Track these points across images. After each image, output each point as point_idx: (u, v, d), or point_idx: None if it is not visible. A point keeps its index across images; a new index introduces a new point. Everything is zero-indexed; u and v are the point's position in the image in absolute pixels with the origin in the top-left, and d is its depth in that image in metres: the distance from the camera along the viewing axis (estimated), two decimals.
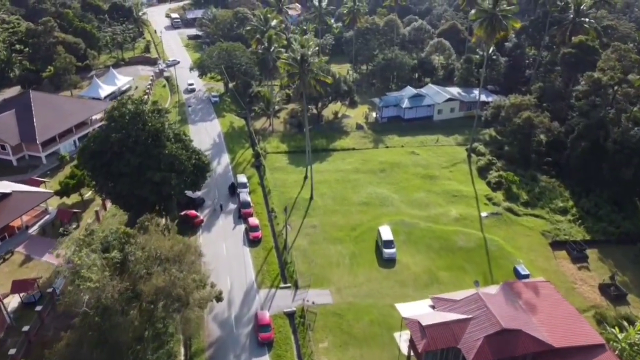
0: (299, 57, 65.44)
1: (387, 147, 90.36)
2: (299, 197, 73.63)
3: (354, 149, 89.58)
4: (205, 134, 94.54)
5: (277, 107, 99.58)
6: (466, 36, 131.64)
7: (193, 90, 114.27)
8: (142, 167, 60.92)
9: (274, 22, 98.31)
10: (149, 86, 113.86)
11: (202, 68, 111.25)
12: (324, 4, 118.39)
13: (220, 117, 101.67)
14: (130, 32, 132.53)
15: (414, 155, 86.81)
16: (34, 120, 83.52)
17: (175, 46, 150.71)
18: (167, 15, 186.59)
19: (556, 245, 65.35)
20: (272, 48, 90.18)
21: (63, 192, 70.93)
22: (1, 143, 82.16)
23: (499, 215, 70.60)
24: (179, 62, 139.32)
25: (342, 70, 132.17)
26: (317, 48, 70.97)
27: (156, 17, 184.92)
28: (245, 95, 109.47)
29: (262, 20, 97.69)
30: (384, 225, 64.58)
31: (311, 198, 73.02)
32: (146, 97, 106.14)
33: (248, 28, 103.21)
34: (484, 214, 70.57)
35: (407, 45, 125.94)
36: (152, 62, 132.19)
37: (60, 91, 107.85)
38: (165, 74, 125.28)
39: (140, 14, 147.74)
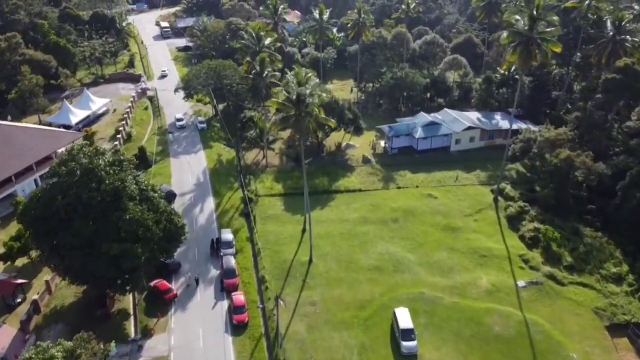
0: (294, 97, 52.50)
1: (399, 187, 77.48)
2: (295, 260, 60.82)
3: (360, 190, 76.70)
4: (188, 171, 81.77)
5: (271, 137, 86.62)
6: (483, 50, 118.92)
7: (182, 127, 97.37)
8: (96, 237, 48.35)
9: (267, 41, 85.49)
10: (128, 109, 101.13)
11: (188, 89, 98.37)
12: (325, 16, 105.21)
13: (207, 149, 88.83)
14: (111, 46, 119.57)
15: (431, 199, 73.96)
16: None
17: (163, 59, 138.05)
18: (157, 24, 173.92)
19: (615, 328, 52.60)
20: (265, 73, 77.20)
21: (7, 256, 58.34)
22: None
23: (540, 285, 57.79)
24: (167, 75, 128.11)
25: (345, 88, 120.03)
26: (317, 80, 57.31)
27: (145, 25, 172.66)
28: (237, 121, 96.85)
29: (254, 38, 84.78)
30: (400, 308, 51.68)
31: (310, 261, 60.24)
32: (123, 125, 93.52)
33: (239, 46, 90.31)
34: (521, 284, 57.76)
35: (417, 61, 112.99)
36: (136, 79, 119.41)
37: (25, 116, 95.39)
38: (149, 93, 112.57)
39: (124, 24, 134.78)
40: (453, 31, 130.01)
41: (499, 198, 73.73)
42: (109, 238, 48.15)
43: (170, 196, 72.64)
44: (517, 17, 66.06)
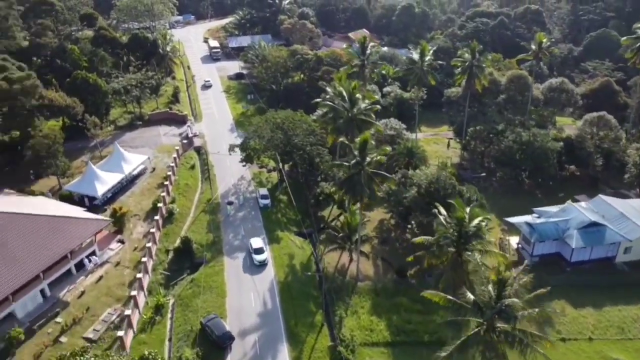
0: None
1: (563, 338, 51.88)
2: None
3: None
4: (249, 286, 58.04)
5: (364, 236, 61.95)
6: (625, 100, 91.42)
7: (231, 203, 73.13)
8: None
9: (364, 104, 60.74)
10: (170, 169, 78.71)
11: (246, 149, 75.12)
12: (428, 57, 79.53)
13: (274, 243, 64.98)
14: (151, 80, 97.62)
15: None
16: None
17: (211, 91, 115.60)
18: (206, 40, 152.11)
19: None
20: (368, 160, 52.16)
21: None
22: None
23: None
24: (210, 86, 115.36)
25: (439, 139, 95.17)
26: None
27: (192, 42, 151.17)
28: (310, 194, 73.35)
29: (345, 99, 60.16)
30: None
31: None
32: (163, 195, 71.00)
33: (325, 111, 65.71)
34: None
35: (542, 115, 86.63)
36: (180, 121, 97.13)
37: (38, 181, 74.13)
38: (196, 141, 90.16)
39: (168, 48, 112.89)
40: (584, 75, 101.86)
41: None
42: None
43: (226, 339, 49.68)
44: None
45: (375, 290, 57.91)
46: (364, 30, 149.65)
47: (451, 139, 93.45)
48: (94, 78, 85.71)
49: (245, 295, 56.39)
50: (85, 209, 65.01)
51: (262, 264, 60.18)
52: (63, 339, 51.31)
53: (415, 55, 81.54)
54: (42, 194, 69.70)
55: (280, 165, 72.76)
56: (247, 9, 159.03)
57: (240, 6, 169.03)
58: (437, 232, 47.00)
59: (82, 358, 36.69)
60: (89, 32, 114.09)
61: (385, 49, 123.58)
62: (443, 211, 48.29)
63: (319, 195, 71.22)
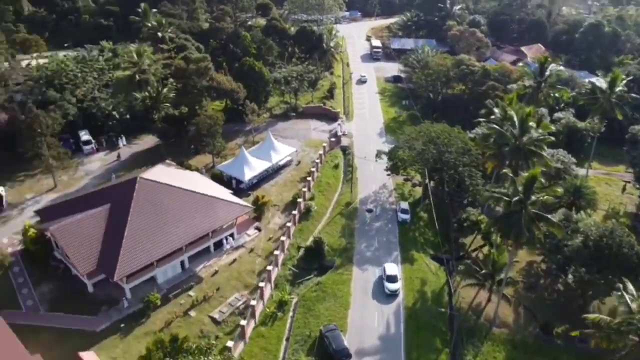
0: None
1: None
2: None
3: None
4: (373, 304, 55.31)
5: (509, 278, 55.34)
6: None
7: (370, 211, 71.63)
8: None
9: (536, 134, 53.67)
10: (315, 164, 78.90)
11: (393, 158, 72.14)
12: (619, 88, 68.75)
13: (406, 263, 61.40)
14: (311, 74, 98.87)
15: None
16: (124, 234, 53.40)
17: (366, 90, 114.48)
18: (368, 39, 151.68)
19: None
20: (532, 198, 45.44)
21: None
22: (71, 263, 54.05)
23: None
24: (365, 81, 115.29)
25: (612, 180, 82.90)
26: None
27: (355, 39, 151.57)
28: (454, 217, 68.13)
29: (515, 124, 53.73)
30: None
31: None
32: (304, 191, 71.15)
33: (487, 133, 59.91)
34: None
35: None
36: (332, 117, 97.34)
37: (196, 156, 78.86)
38: (343, 140, 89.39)
39: (331, 43, 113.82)
40: None
41: None
42: None
43: (342, 355, 47.66)
44: None
45: (512, 342, 51.48)
46: (539, 45, 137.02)
47: (628, 182, 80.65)
48: (259, 66, 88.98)
49: (369, 313, 53.79)
50: (231, 191, 67.43)
51: (393, 294, 55.99)
52: (192, 312, 53.42)
53: (603, 84, 70.95)
54: (197, 169, 73.94)
55: (427, 180, 68.59)
56: (415, 11, 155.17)
57: (408, 7, 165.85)
58: (618, 314, 38.96)
59: (205, 358, 36.84)
60: (261, 21, 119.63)
61: (561, 68, 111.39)
62: (631, 287, 40.08)
63: (463, 221, 65.69)
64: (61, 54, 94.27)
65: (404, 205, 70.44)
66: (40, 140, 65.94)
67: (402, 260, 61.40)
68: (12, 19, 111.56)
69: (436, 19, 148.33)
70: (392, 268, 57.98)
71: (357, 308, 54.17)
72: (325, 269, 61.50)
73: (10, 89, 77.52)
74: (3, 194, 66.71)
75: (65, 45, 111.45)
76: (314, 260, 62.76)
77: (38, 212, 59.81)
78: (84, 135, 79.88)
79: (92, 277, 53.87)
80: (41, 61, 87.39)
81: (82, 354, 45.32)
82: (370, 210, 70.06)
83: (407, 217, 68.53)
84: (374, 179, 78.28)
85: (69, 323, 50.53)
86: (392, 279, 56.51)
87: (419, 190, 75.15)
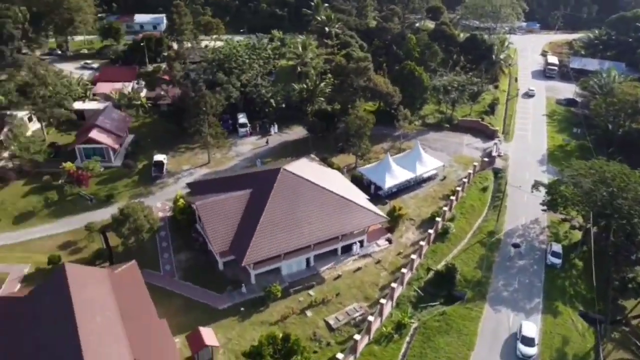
0: None
1: None
2: None
3: None
4: (502, 351, 49.51)
5: None
6: None
7: (517, 246, 64.21)
8: None
9: None
10: (461, 183, 73.57)
11: (553, 193, 63.93)
12: None
13: (549, 313, 53.85)
14: (473, 86, 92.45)
15: None
16: (259, 222, 54.63)
17: (531, 109, 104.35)
18: (543, 54, 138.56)
19: None
20: None
21: None
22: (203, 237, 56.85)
23: None
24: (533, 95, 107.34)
25: None
26: None
27: (528, 52, 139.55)
28: (616, 273, 58.35)
29: None
30: None
31: None
32: (444, 210, 66.51)
33: None
34: None
35: None
36: (489, 135, 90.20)
37: (340, 154, 78.32)
38: (497, 162, 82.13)
39: (502, 55, 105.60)
40: None
41: None
42: None
43: None
44: None
45: None
46: None
47: None
48: (420, 71, 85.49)
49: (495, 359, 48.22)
50: (368, 197, 65.57)
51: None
52: (309, 312, 52.88)
53: None
54: (339, 168, 73.38)
55: (590, 225, 59.56)
56: (606, 28, 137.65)
57: (598, 23, 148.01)
58: None
59: None
60: (430, 25, 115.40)
61: None
62: None
63: (628, 280, 55.91)
64: (236, 38, 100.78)
65: (557, 247, 62.13)
66: (203, 118, 70.66)
67: (543, 309, 54.12)
68: (201, 2, 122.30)
69: (630, 39, 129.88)
70: (530, 329, 50.15)
71: (482, 352, 48.84)
72: (454, 299, 56.77)
73: (187, 67, 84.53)
74: (165, 161, 73.14)
75: (241, 30, 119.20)
76: (442, 287, 58.28)
77: (189, 185, 64.23)
78: (242, 119, 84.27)
79: (224, 256, 56.15)
80: (218, 44, 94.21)
81: (201, 329, 47.15)
82: (516, 245, 63.15)
83: (558, 261, 60.32)
84: (525, 211, 70.53)
85: (197, 295, 53.27)
86: (529, 342, 48.92)
87: (577, 234, 65.81)
